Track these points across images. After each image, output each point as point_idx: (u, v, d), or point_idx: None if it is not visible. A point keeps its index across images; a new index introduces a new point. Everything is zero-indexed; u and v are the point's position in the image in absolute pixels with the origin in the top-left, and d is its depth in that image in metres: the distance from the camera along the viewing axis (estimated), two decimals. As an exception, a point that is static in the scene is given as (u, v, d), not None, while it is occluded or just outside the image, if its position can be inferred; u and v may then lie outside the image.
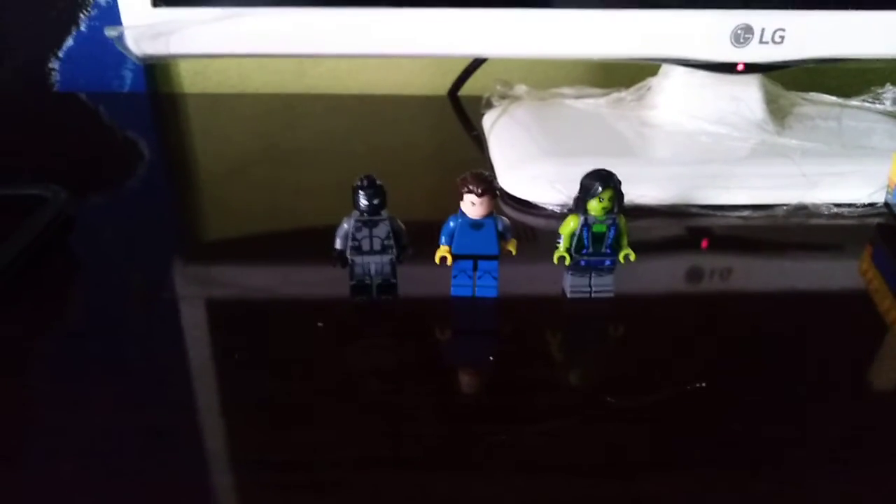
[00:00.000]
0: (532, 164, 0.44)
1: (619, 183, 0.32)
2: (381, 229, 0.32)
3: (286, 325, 0.34)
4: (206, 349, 0.32)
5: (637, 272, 0.35)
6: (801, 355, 0.32)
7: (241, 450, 0.27)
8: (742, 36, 0.43)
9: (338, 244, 0.33)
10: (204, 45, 0.41)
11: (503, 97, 0.53)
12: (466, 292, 0.34)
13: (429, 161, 0.52)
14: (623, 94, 0.51)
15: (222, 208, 0.45)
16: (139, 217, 0.43)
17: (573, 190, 0.33)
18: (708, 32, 0.43)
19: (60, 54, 0.61)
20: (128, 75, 0.61)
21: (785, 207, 0.43)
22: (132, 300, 0.35)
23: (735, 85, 0.47)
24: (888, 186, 0.42)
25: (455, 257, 0.33)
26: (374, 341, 0.33)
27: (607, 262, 0.34)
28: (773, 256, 0.40)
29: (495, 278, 0.33)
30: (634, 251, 0.33)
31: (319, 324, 0.33)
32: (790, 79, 0.50)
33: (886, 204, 0.43)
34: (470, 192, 0.31)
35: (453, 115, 0.59)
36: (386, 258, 0.33)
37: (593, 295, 0.34)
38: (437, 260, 0.33)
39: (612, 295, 0.34)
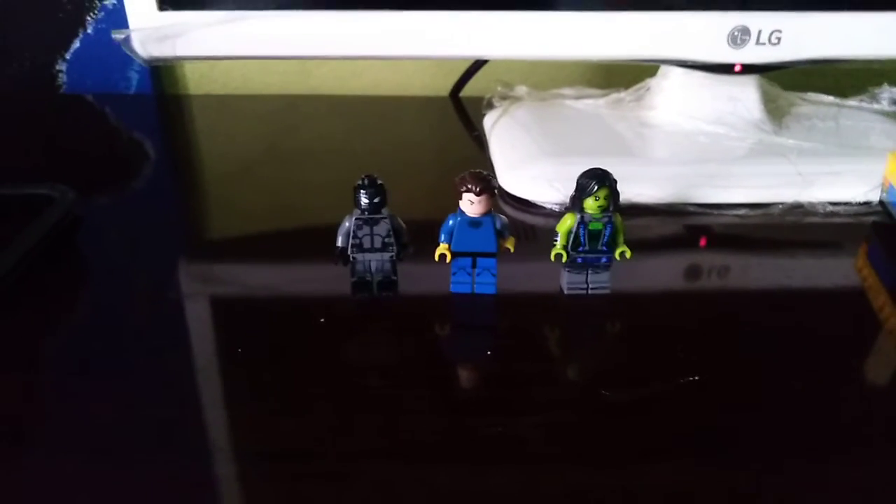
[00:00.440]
0: (532, 164, 0.45)
1: (615, 182, 0.33)
2: (382, 227, 0.33)
3: (289, 321, 0.34)
4: (210, 344, 0.33)
5: (634, 269, 0.36)
6: (796, 352, 0.33)
7: (246, 442, 0.28)
8: (739, 37, 0.44)
9: (339, 242, 0.33)
10: (209, 47, 0.42)
11: (504, 98, 0.53)
12: (465, 289, 0.34)
13: (430, 160, 0.52)
14: (622, 94, 0.51)
15: (227, 207, 0.46)
16: (145, 216, 0.43)
17: (572, 189, 0.34)
18: (705, 34, 0.44)
19: (67, 56, 0.61)
20: (134, 77, 0.62)
21: (781, 206, 0.43)
22: (138, 298, 0.36)
23: (733, 85, 0.47)
24: (883, 185, 0.43)
25: (454, 255, 0.33)
26: (375, 337, 0.34)
27: (604, 260, 0.34)
28: (769, 254, 0.41)
29: (494, 275, 0.34)
30: (631, 249, 0.34)
31: (321, 319, 0.33)
32: (789, 79, 0.51)
33: (881, 202, 0.43)
34: (468, 190, 0.32)
35: (455, 116, 0.59)
36: (386, 256, 0.33)
37: (590, 291, 0.35)
38: (436, 257, 0.33)
39: (608, 291, 0.35)
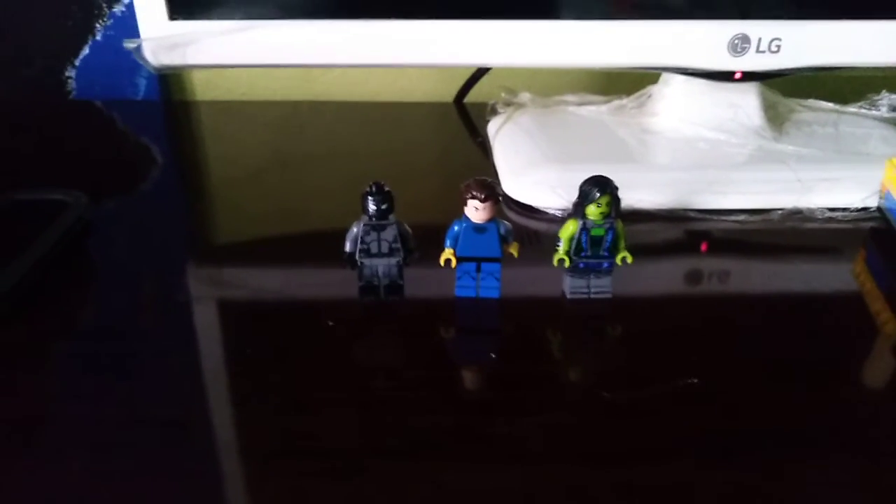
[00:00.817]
0: (535, 170, 0.45)
1: (616, 189, 0.33)
2: (389, 233, 0.34)
3: (297, 323, 0.35)
4: (219, 346, 0.33)
5: (635, 274, 0.36)
6: (795, 355, 0.33)
7: (254, 441, 0.28)
8: (739, 45, 0.44)
9: (347, 247, 0.34)
10: (218, 56, 0.43)
11: (508, 104, 0.54)
12: (470, 293, 0.35)
13: (434, 166, 0.53)
14: (624, 101, 0.52)
15: (234, 212, 0.46)
16: (153, 220, 0.44)
17: (575, 195, 0.34)
18: (706, 42, 0.44)
19: (76, 63, 0.62)
20: (142, 83, 0.63)
21: (780, 212, 0.44)
22: (147, 301, 0.36)
23: (733, 93, 0.48)
24: (881, 191, 0.43)
25: (459, 260, 0.34)
26: (381, 339, 0.34)
27: (605, 265, 0.35)
28: (768, 259, 0.41)
29: (498, 280, 0.35)
30: (633, 254, 0.35)
31: (330, 322, 0.34)
32: (791, 86, 0.51)
33: (879, 209, 0.44)
34: (473, 197, 0.32)
35: (459, 122, 0.60)
36: (393, 261, 0.34)
37: (592, 296, 0.35)
38: (441, 262, 0.34)
39: (609, 296, 0.35)
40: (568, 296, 0.36)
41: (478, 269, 0.35)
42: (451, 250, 0.34)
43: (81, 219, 0.41)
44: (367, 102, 0.63)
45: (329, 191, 0.47)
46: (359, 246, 0.34)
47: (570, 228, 0.34)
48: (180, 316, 0.35)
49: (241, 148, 0.54)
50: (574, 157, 0.46)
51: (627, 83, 0.53)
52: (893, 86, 0.52)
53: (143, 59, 0.42)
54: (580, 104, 0.53)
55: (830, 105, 0.52)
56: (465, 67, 0.59)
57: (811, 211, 0.44)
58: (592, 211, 0.33)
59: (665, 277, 0.39)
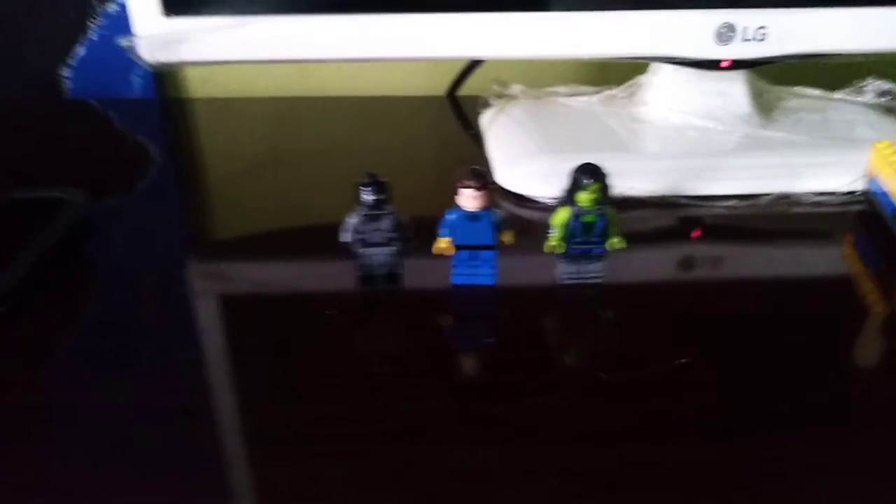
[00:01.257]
0: (528, 161, 0.46)
1: (606, 175, 0.34)
2: (385, 223, 0.34)
3: (297, 314, 0.35)
4: (220, 338, 0.34)
5: (626, 259, 0.37)
6: (784, 337, 0.34)
7: (259, 428, 0.29)
8: (725, 34, 0.45)
9: (344, 237, 0.35)
10: (214, 52, 0.43)
11: (500, 97, 0.54)
12: (466, 280, 0.36)
13: (429, 158, 0.54)
14: (615, 91, 0.52)
15: (232, 207, 0.47)
16: (151, 217, 0.44)
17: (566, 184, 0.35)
18: (693, 31, 0.45)
19: (71, 62, 0.62)
20: (137, 81, 0.63)
21: (769, 197, 0.44)
22: (148, 296, 0.37)
23: (721, 81, 0.48)
24: (867, 176, 0.44)
25: (454, 248, 0.35)
26: (380, 327, 0.35)
27: (597, 250, 0.36)
28: (757, 243, 0.42)
29: (492, 267, 0.35)
30: (625, 240, 0.35)
31: (328, 312, 0.35)
32: (778, 74, 0.52)
33: (865, 192, 0.44)
34: (467, 186, 0.33)
35: (452, 115, 0.60)
36: (390, 250, 0.35)
37: (584, 281, 0.36)
38: (436, 251, 0.35)
39: (601, 280, 0.36)
40: (561, 281, 0.36)
41: (473, 258, 0.35)
42: (446, 239, 0.34)
43: (81, 216, 0.41)
44: (361, 97, 0.63)
45: (325, 184, 0.47)
46: (356, 236, 0.34)
47: (561, 215, 0.35)
48: (181, 309, 0.36)
49: (238, 144, 0.54)
50: (566, 146, 0.47)
51: (618, 74, 0.54)
52: (879, 72, 0.53)
53: (139, 56, 0.43)
54: (571, 95, 0.54)
55: (817, 92, 0.53)
56: (458, 60, 0.59)
57: (799, 196, 0.44)
58: (583, 198, 0.34)
59: (656, 262, 0.40)
